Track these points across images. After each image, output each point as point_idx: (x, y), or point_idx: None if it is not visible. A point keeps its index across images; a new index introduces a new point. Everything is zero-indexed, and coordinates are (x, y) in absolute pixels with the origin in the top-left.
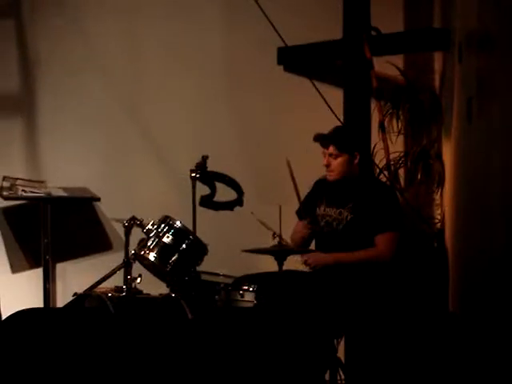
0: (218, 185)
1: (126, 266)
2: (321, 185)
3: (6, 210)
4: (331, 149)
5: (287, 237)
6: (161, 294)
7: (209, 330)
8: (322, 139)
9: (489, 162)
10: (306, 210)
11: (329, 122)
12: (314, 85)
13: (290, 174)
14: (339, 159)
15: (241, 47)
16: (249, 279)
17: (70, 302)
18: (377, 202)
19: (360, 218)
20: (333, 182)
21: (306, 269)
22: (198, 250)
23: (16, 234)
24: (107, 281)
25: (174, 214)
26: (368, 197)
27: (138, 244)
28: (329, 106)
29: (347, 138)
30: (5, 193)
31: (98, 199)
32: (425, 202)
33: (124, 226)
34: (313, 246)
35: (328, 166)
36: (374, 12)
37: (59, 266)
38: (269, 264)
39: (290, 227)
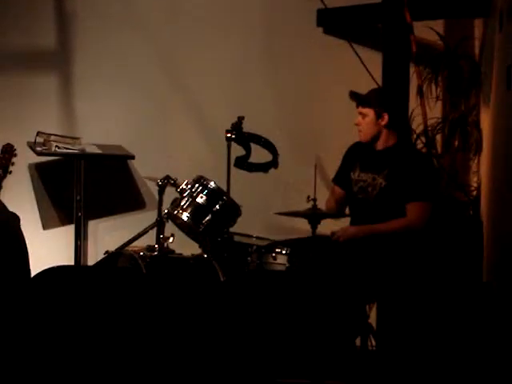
0: (253, 146)
1: (159, 225)
2: (356, 149)
3: (39, 165)
4: (360, 107)
5: (323, 200)
6: (193, 255)
7: (240, 292)
8: (351, 95)
9: None
10: (341, 176)
11: (367, 85)
12: (352, 48)
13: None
14: (367, 119)
15: (280, 8)
16: (282, 242)
17: (102, 260)
18: (411, 170)
19: (394, 185)
20: (364, 143)
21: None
22: (232, 211)
23: (48, 190)
24: (139, 240)
25: (208, 174)
26: (403, 165)
27: (172, 203)
28: (367, 70)
29: (374, 97)
30: (38, 148)
31: (133, 157)
32: (461, 169)
33: (158, 185)
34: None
35: (358, 124)
36: None
37: (91, 224)
38: (302, 227)
39: (326, 189)
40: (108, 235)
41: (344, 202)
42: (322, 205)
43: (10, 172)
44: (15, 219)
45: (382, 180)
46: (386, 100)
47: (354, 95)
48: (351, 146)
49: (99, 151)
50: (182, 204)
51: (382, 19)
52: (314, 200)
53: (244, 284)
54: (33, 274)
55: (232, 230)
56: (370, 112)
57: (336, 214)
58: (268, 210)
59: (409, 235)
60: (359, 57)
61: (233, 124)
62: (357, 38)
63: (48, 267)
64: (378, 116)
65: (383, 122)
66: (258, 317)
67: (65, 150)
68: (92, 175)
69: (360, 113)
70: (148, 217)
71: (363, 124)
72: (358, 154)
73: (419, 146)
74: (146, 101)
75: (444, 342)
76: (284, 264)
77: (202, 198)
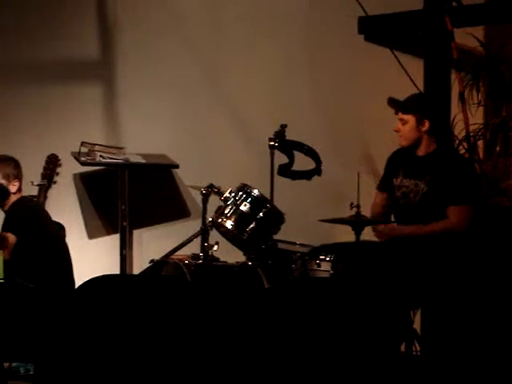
0: (297, 154)
1: (204, 233)
2: (398, 156)
3: (83, 175)
4: (400, 114)
5: (366, 206)
6: (237, 262)
7: (285, 299)
8: (389, 102)
9: None
10: (385, 183)
11: (409, 92)
12: (394, 55)
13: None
14: (407, 125)
15: (322, 16)
16: (326, 249)
17: (147, 268)
18: (453, 174)
19: (436, 190)
20: (405, 148)
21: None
22: (275, 218)
23: (93, 199)
24: (184, 248)
25: (251, 182)
26: (445, 169)
27: (216, 211)
28: (409, 76)
29: (414, 103)
30: (83, 158)
31: (177, 166)
32: (503, 175)
33: (202, 194)
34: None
35: (398, 131)
36: None
37: (136, 233)
38: (346, 234)
39: (369, 197)
40: (153, 244)
41: (389, 209)
42: (365, 211)
43: (55, 182)
44: (60, 229)
45: (424, 185)
46: (427, 106)
47: (393, 102)
48: (393, 153)
49: (143, 161)
50: (225, 212)
51: (423, 26)
52: (358, 207)
53: (289, 291)
54: (78, 283)
55: (276, 237)
56: (410, 118)
57: (379, 220)
58: (312, 218)
59: (452, 240)
60: (401, 63)
61: (276, 132)
62: (398, 45)
63: (93, 277)
64: (419, 122)
65: (424, 128)
66: (302, 324)
67: (109, 160)
68: (136, 184)
69: (400, 119)
70: (192, 225)
71: (403, 130)
72: (401, 161)
73: (461, 151)
74: (189, 110)
75: (489, 348)
76: (328, 271)
77: (245, 205)
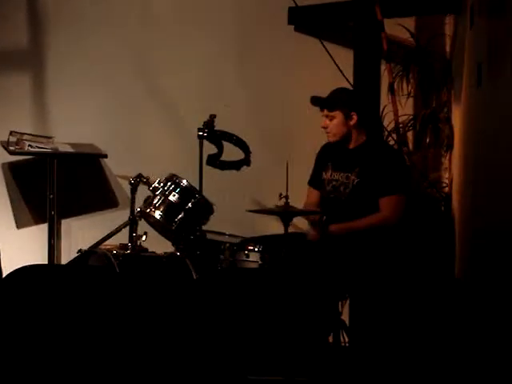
0: (226, 144)
1: (132, 223)
2: (328, 149)
3: (12, 165)
4: (325, 110)
5: (295, 196)
6: (166, 253)
7: (213, 289)
8: (313, 101)
9: (497, 126)
10: (315, 177)
11: (338, 83)
12: (323, 45)
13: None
14: (334, 121)
15: (253, 7)
16: (254, 240)
17: (74, 258)
18: (383, 165)
19: (366, 182)
20: (334, 143)
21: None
22: (204, 209)
23: (22, 189)
24: (112, 238)
25: (180, 172)
26: (374, 161)
27: (144, 202)
28: (338, 67)
29: (340, 98)
30: (11, 148)
31: (105, 156)
32: (433, 166)
33: (130, 184)
34: None
35: (325, 127)
36: None
37: (64, 223)
38: (275, 225)
39: (298, 187)
40: (81, 234)
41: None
42: (294, 202)
43: None
44: None
45: (354, 177)
46: (353, 99)
47: (317, 101)
48: (323, 147)
49: (72, 150)
50: (154, 202)
51: (353, 17)
52: (286, 197)
53: (217, 282)
54: (5, 273)
55: (205, 227)
56: (337, 114)
57: (307, 211)
58: (241, 208)
59: (381, 231)
60: (330, 55)
61: (205, 122)
62: (328, 36)
63: (20, 266)
64: (347, 116)
65: (352, 122)
66: (230, 314)
67: (38, 149)
68: (65, 174)
69: (327, 116)
70: (121, 215)
71: (331, 126)
72: (330, 154)
73: (391, 142)
74: (118, 100)
75: (416, 338)
76: (257, 261)
77: (174, 196)
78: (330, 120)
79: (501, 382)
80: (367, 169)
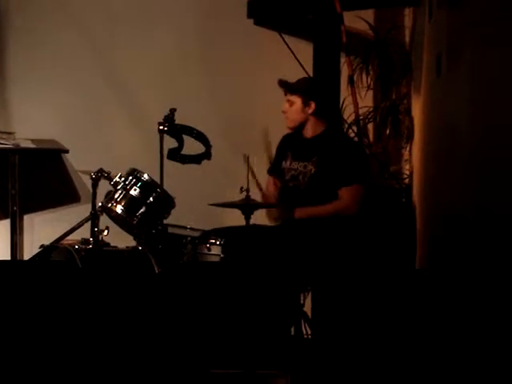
0: (186, 138)
1: (93, 218)
2: (288, 139)
3: None
4: (288, 95)
5: (256, 190)
6: (128, 247)
7: (175, 283)
8: (279, 83)
9: (457, 117)
10: (275, 167)
11: (299, 75)
12: (283, 38)
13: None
14: (293, 106)
15: (213, 1)
16: (216, 233)
17: (36, 254)
18: (342, 155)
19: (324, 171)
20: (293, 131)
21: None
22: (165, 202)
23: None
24: (74, 233)
25: (141, 166)
26: (333, 150)
27: (106, 196)
28: (298, 60)
29: (302, 85)
30: None
31: (67, 151)
32: (393, 158)
33: (91, 178)
34: None
35: (285, 112)
36: None
37: (27, 218)
38: (236, 218)
39: (258, 181)
40: (44, 229)
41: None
42: (254, 195)
43: None
44: None
45: (312, 167)
46: (314, 89)
47: (282, 83)
48: (284, 137)
49: (33, 145)
50: (115, 197)
51: (313, 10)
52: (247, 191)
53: (179, 275)
54: None
55: (166, 221)
56: (297, 99)
57: (267, 204)
58: (202, 202)
59: (342, 222)
60: (290, 48)
61: (165, 116)
62: (288, 29)
63: None
64: (305, 104)
65: (310, 110)
66: (192, 308)
67: None
68: (26, 169)
69: (288, 100)
70: (83, 210)
71: (290, 111)
72: (290, 144)
73: (351, 135)
74: (79, 96)
75: (377, 329)
76: (218, 255)
77: (135, 190)
78: (290, 105)
79: (461, 370)
80: (325, 158)
